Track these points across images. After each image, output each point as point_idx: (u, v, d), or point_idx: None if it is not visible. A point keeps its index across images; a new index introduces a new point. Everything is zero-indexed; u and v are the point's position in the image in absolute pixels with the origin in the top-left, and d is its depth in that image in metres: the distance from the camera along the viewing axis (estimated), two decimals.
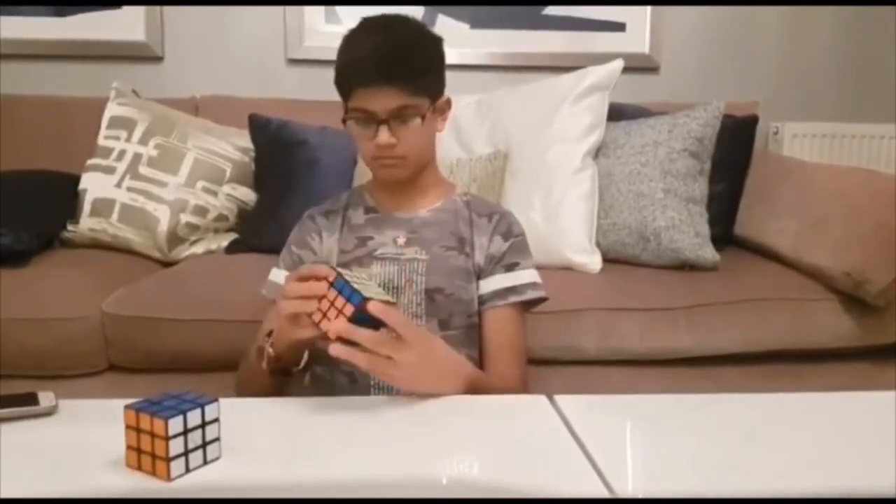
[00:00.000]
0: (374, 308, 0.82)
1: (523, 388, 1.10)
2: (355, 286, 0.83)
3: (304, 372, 1.03)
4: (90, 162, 1.92)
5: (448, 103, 1.14)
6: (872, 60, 2.51)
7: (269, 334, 0.99)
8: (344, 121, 1.08)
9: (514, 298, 1.12)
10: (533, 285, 1.14)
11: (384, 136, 1.04)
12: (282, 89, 2.31)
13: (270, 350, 0.97)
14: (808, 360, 1.54)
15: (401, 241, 1.12)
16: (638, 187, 1.72)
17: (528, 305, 1.14)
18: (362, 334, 0.83)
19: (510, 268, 1.13)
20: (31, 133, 2.07)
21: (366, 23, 1.08)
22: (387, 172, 1.10)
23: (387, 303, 0.85)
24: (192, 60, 2.34)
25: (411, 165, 1.10)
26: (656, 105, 2.02)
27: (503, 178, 1.80)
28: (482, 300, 1.13)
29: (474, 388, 0.95)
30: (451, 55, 1.13)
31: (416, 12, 2.21)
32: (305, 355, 0.98)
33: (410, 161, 1.09)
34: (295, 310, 0.87)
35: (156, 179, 1.87)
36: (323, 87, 2.17)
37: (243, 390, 1.11)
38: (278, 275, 1.16)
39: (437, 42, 1.10)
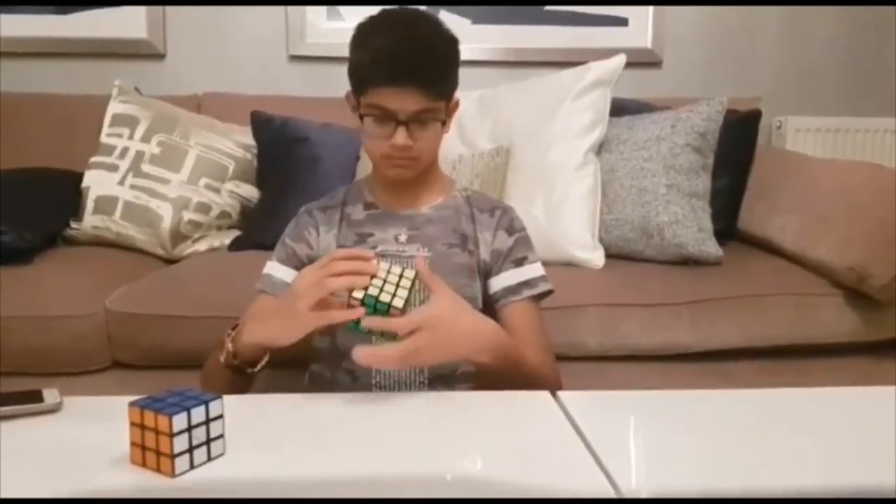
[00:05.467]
0: (369, 323, 0.86)
1: (557, 376, 1.08)
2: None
3: (262, 370, 1.01)
4: (93, 160, 1.92)
5: (457, 104, 1.13)
6: (874, 55, 2.50)
7: (234, 328, 1.00)
8: (361, 116, 1.05)
9: (527, 292, 1.11)
10: (543, 278, 1.14)
11: (402, 137, 1.02)
12: (284, 86, 2.31)
13: (230, 345, 0.98)
14: (811, 355, 1.54)
15: (402, 238, 1.12)
16: (641, 183, 1.72)
17: (538, 298, 1.14)
18: (393, 324, 0.86)
19: (519, 262, 1.13)
20: (33, 131, 2.07)
21: (384, 17, 1.05)
22: (396, 172, 1.09)
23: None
24: (194, 58, 2.34)
25: (421, 166, 1.09)
26: (659, 100, 2.02)
27: (505, 175, 1.80)
28: (495, 297, 1.12)
29: (509, 358, 0.95)
30: None
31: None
32: (264, 360, 0.99)
33: (422, 162, 1.08)
34: (348, 285, 0.86)
35: (158, 177, 1.88)
36: (325, 83, 2.22)
37: (206, 383, 1.07)
38: (273, 268, 1.15)
39: (455, 43, 1.07)
